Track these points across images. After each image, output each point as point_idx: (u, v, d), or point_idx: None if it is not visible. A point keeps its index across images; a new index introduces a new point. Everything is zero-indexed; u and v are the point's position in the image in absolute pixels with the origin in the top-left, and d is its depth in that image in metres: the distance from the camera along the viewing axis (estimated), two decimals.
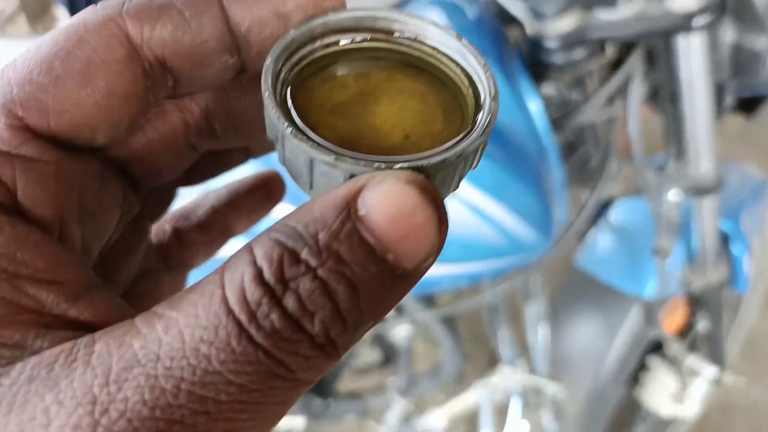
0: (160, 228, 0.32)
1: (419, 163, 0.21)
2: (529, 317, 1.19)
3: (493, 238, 0.92)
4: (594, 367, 1.27)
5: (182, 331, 0.17)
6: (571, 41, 0.89)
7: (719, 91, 1.03)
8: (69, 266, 0.20)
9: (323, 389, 1.34)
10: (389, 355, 1.43)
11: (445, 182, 0.23)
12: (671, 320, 1.31)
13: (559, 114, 0.97)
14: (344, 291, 0.18)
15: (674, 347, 1.30)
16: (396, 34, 0.26)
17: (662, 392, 1.38)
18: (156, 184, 0.29)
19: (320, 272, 0.18)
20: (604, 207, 1.37)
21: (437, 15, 0.90)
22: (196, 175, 0.31)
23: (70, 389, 0.17)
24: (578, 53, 0.91)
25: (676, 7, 0.84)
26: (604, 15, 0.87)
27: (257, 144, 0.30)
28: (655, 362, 1.39)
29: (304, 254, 0.18)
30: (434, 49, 0.26)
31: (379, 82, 0.25)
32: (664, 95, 0.97)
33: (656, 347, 1.39)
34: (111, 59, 0.21)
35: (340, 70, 0.25)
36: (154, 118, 0.26)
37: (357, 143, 0.22)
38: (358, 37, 0.25)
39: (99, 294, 0.21)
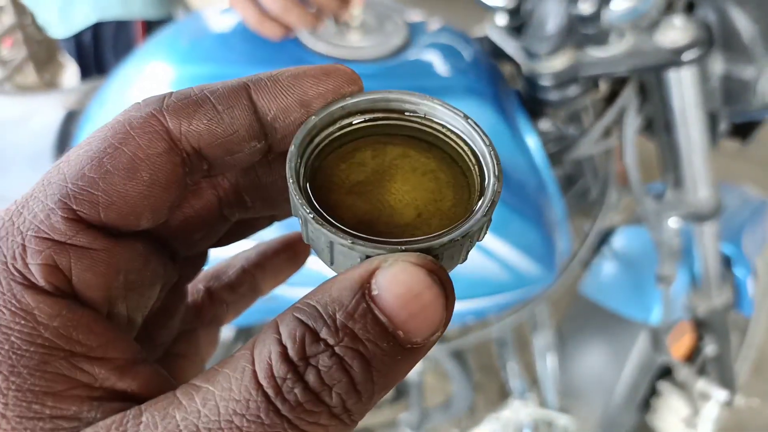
0: (193, 287, 0.35)
1: (428, 244, 0.23)
2: (537, 348, 1.20)
3: (498, 274, 0.93)
4: (604, 395, 1.28)
5: (218, 404, 0.19)
6: (564, 79, 0.92)
7: (713, 119, 1.05)
8: (117, 343, 0.22)
9: None
10: (400, 391, 1.44)
11: (453, 258, 0.25)
12: (679, 345, 1.31)
13: (557, 149, 0.99)
14: (359, 366, 0.20)
15: (683, 372, 1.30)
16: (407, 113, 0.27)
17: (674, 417, 1.37)
18: (192, 252, 0.31)
19: (337, 349, 0.20)
20: (606, 236, 1.38)
21: (436, 57, 0.93)
22: (226, 238, 0.33)
23: None
24: (573, 90, 0.94)
25: (666, 42, 0.86)
26: (595, 53, 0.90)
27: (283, 211, 0.32)
28: (666, 388, 1.39)
29: (323, 333, 0.20)
30: (443, 126, 0.27)
31: (395, 159, 0.27)
32: (659, 125, 0.99)
33: (666, 372, 1.39)
34: (153, 153, 0.23)
35: (358, 149, 0.27)
36: (190, 196, 0.29)
37: (373, 222, 0.24)
38: (373, 116, 0.27)
39: (143, 367, 0.23)
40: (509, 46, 0.99)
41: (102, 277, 0.23)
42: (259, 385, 0.20)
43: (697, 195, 1.03)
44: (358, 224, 0.24)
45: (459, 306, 0.94)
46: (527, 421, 1.13)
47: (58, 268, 0.22)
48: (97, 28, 1.41)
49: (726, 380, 1.39)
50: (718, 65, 0.94)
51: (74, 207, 0.22)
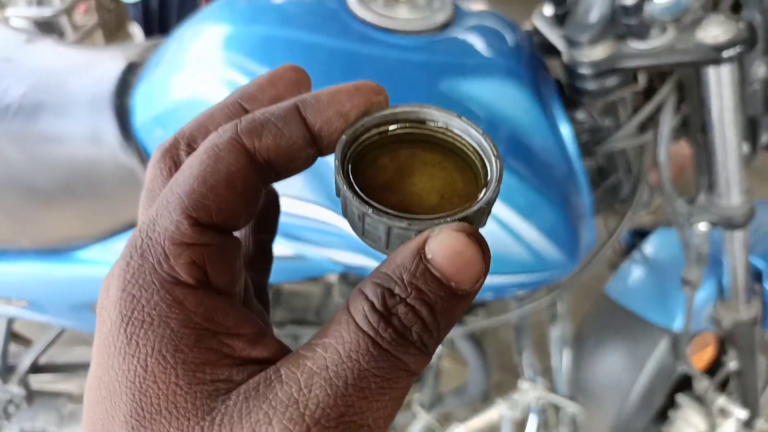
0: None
1: (464, 214, 0.29)
2: (553, 340, 1.21)
3: (520, 254, 0.95)
4: (620, 398, 1.27)
5: (336, 348, 0.26)
6: (603, 69, 0.93)
7: (753, 127, 1.04)
8: (247, 320, 0.28)
9: None
10: None
11: (481, 222, 0.31)
12: (700, 356, 1.30)
13: (590, 139, 1.00)
14: (426, 311, 0.26)
15: (703, 385, 1.28)
16: (411, 122, 0.34)
17: (690, 431, 1.36)
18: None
19: (409, 300, 0.26)
20: (639, 237, 1.38)
21: (478, 37, 0.95)
22: None
23: (276, 398, 0.25)
24: (611, 81, 0.95)
25: (707, 39, 0.87)
26: (636, 45, 0.91)
27: None
28: (684, 401, 1.37)
29: (397, 290, 0.26)
30: (442, 128, 0.34)
31: (407, 159, 0.34)
32: (695, 126, 0.99)
33: (687, 385, 1.38)
34: (241, 167, 0.29)
35: (378, 156, 0.34)
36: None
37: (409, 208, 0.31)
38: (386, 128, 0.34)
39: (268, 338, 0.29)
40: (553, 34, 1.01)
41: (227, 264, 0.29)
42: (363, 330, 0.26)
43: (730, 201, 1.03)
44: (398, 212, 0.30)
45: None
46: (534, 404, 1.14)
47: (196, 264, 0.27)
48: None
49: (748, 400, 1.37)
50: (761, 69, 0.94)
51: (194, 215, 0.28)
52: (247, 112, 0.33)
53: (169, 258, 0.27)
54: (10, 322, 1.38)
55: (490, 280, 0.96)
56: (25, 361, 1.42)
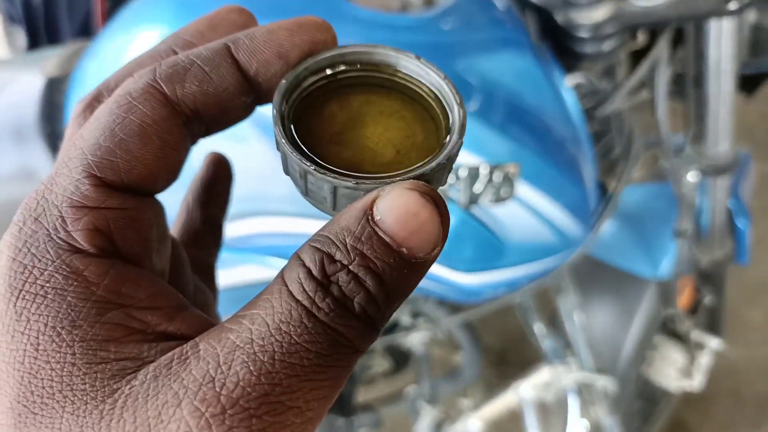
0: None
1: (420, 171, 0.26)
2: (564, 310, 1.18)
3: (547, 237, 0.89)
4: (615, 351, 1.28)
5: (265, 319, 0.22)
6: (604, 30, 0.88)
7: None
8: (163, 293, 0.25)
9: (343, 408, 1.29)
10: (399, 363, 1.39)
11: (441, 180, 0.28)
12: (681, 299, 1.34)
13: (591, 104, 0.96)
14: (372, 280, 0.23)
15: (686, 324, 1.33)
16: (363, 64, 0.30)
17: (671, 368, 1.41)
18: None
19: (352, 267, 0.23)
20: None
21: (477, 11, 0.87)
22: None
23: (190, 376, 0.22)
24: (610, 42, 0.90)
25: None
26: (639, 2, 0.87)
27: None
28: (661, 341, 1.42)
29: (338, 256, 0.23)
30: (399, 71, 0.30)
31: (360, 106, 0.29)
32: (688, 79, 0.98)
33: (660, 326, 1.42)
34: (159, 119, 0.25)
35: (324, 103, 0.29)
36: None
37: (360, 165, 0.27)
38: (333, 71, 0.30)
39: (188, 311, 0.26)
40: None
41: (139, 233, 0.25)
42: (296, 299, 0.23)
43: (718, 148, 1.04)
44: (347, 169, 0.27)
45: (511, 273, 0.90)
46: (570, 385, 1.12)
47: (99, 230, 0.24)
48: None
49: (716, 328, 1.44)
50: (750, 15, 0.93)
51: (99, 175, 0.24)
52: None
53: (66, 223, 0.24)
54: None
55: (521, 271, 0.90)
56: None
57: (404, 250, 0.23)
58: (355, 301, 0.23)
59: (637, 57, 0.99)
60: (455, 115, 0.28)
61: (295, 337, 0.22)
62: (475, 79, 0.81)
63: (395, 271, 0.23)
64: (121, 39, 0.86)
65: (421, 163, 0.27)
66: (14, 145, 0.84)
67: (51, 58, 0.93)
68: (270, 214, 0.86)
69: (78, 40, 0.99)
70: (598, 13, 0.88)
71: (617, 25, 0.88)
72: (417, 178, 0.25)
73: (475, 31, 0.84)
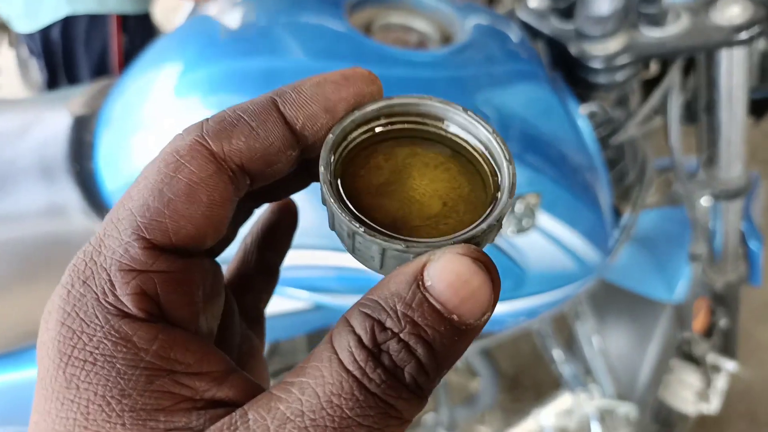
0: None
1: (471, 234, 0.25)
2: (582, 337, 1.19)
3: (567, 265, 0.91)
4: (632, 375, 1.28)
5: (315, 390, 0.22)
6: (617, 61, 0.90)
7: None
8: (211, 357, 0.25)
9: None
10: None
11: (491, 239, 0.27)
12: (696, 321, 1.34)
13: (605, 132, 0.98)
14: (422, 348, 0.23)
15: (702, 347, 1.33)
16: (410, 117, 0.30)
17: (688, 392, 1.41)
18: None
19: (402, 335, 0.23)
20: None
21: (492, 44, 0.89)
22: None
23: None
24: (623, 72, 0.92)
25: (723, 20, 0.86)
26: (651, 33, 0.89)
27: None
28: (676, 364, 1.42)
29: (388, 323, 0.23)
30: (444, 123, 0.30)
31: (405, 158, 0.29)
32: (700, 105, 1.00)
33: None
34: (206, 176, 0.25)
35: (370, 155, 0.29)
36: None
37: (407, 218, 0.27)
38: (379, 123, 0.29)
39: (236, 375, 0.25)
40: (546, 27, 0.97)
41: (186, 296, 0.25)
42: (347, 369, 0.22)
43: (731, 173, 1.05)
44: (394, 222, 0.27)
45: (530, 302, 0.91)
46: (593, 412, 1.12)
47: (147, 294, 0.24)
48: (67, 24, 1.27)
49: (731, 350, 1.45)
50: (761, 43, 0.96)
51: (148, 237, 0.24)
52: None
53: (115, 287, 0.24)
54: None
55: (537, 300, 0.91)
56: None
57: (455, 317, 0.23)
58: (406, 371, 0.22)
59: (650, 85, 1.01)
60: (504, 172, 0.27)
61: (347, 411, 0.22)
62: (493, 111, 0.83)
63: (445, 338, 0.23)
64: (148, 77, 0.88)
65: (471, 226, 0.26)
66: (43, 183, 0.86)
67: (76, 96, 0.95)
68: (292, 247, 0.88)
69: (101, 79, 1.01)
70: (611, 45, 0.90)
71: (630, 57, 0.90)
72: (467, 240, 0.25)
73: (492, 64, 0.86)
